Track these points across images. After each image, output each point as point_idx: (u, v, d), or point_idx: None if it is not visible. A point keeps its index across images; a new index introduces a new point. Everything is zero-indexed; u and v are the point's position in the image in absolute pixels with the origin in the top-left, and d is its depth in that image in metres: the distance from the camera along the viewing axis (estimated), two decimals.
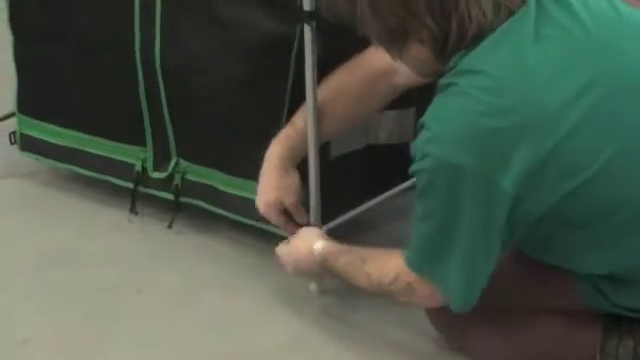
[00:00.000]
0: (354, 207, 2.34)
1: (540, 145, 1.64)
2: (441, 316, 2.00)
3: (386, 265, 1.92)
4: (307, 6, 2.05)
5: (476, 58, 1.69)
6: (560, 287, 1.89)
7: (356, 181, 2.35)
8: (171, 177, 2.44)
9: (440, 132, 1.70)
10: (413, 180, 1.88)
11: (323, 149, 2.20)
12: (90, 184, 2.61)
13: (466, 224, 1.72)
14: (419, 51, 1.74)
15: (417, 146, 1.73)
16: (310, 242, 2.08)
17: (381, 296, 1.99)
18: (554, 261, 1.83)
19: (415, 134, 2.13)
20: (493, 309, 1.94)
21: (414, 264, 1.83)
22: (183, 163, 2.43)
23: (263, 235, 2.32)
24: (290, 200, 2.13)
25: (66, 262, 2.40)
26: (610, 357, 1.86)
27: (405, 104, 2.34)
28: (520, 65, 1.66)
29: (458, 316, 1.92)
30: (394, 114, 2.37)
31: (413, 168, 1.74)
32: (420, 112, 2.27)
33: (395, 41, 1.75)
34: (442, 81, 1.73)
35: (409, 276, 1.85)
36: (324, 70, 2.13)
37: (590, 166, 1.66)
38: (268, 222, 2.24)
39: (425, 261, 1.81)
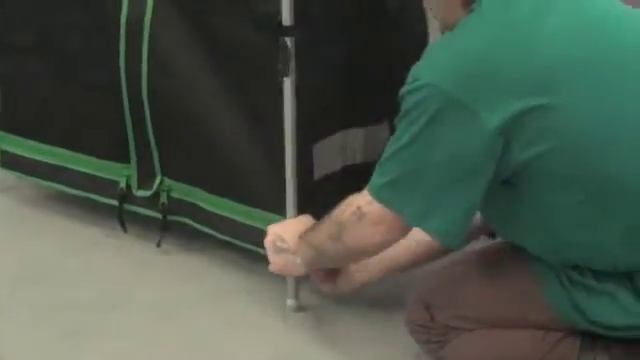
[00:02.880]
0: None
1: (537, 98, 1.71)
2: (422, 330, 2.04)
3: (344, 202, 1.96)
4: (286, 22, 2.14)
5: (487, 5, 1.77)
6: (534, 306, 1.94)
7: (335, 200, 2.34)
8: (157, 195, 2.49)
9: (437, 58, 1.77)
10: None
11: (308, 172, 2.28)
12: (71, 201, 2.65)
13: (444, 154, 1.76)
14: None
15: (412, 70, 1.79)
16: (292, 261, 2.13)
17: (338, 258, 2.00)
18: (526, 229, 1.87)
19: None
20: (474, 325, 1.99)
21: (376, 189, 1.85)
22: (167, 181, 2.49)
23: (248, 253, 2.36)
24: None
25: (45, 279, 2.42)
26: None
27: (378, 119, 2.40)
28: (529, 20, 1.75)
29: (439, 331, 1.98)
30: (367, 131, 2.43)
31: (403, 90, 1.79)
32: (393, 125, 2.34)
33: None
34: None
35: (361, 200, 1.88)
36: (304, 84, 2.17)
37: (589, 132, 1.71)
38: (249, 241, 2.31)
39: (388, 187, 1.84)
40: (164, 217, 2.51)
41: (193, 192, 2.46)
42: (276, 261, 2.15)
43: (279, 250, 2.14)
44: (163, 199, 2.50)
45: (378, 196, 1.83)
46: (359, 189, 2.32)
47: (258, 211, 2.37)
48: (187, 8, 2.36)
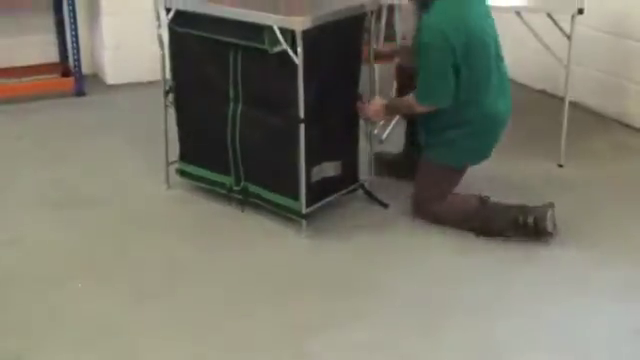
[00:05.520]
0: (319, 200, 4.12)
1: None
2: (415, 196, 4.02)
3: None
4: (301, 115, 3.84)
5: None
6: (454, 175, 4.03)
7: (320, 189, 4.14)
8: (244, 190, 4.14)
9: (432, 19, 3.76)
10: (347, 189, 4.06)
11: (309, 179, 3.90)
12: (213, 195, 4.25)
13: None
14: None
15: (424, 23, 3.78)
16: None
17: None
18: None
19: (342, 171, 4.03)
20: (441, 196, 3.96)
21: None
22: (245, 183, 4.16)
23: (286, 218, 3.94)
24: None
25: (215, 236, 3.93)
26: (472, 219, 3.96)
27: (334, 158, 4.15)
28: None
29: (424, 197, 4.01)
30: (334, 163, 4.19)
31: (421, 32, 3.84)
32: (344, 162, 4.21)
33: None
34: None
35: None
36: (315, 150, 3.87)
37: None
38: (281, 211, 3.99)
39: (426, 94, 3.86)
40: (244, 199, 4.13)
41: (257, 189, 4.10)
42: (374, 115, 4.07)
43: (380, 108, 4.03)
44: (244, 192, 4.14)
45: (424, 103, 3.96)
46: (331, 188, 4.11)
47: (284, 197, 4.02)
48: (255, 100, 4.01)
